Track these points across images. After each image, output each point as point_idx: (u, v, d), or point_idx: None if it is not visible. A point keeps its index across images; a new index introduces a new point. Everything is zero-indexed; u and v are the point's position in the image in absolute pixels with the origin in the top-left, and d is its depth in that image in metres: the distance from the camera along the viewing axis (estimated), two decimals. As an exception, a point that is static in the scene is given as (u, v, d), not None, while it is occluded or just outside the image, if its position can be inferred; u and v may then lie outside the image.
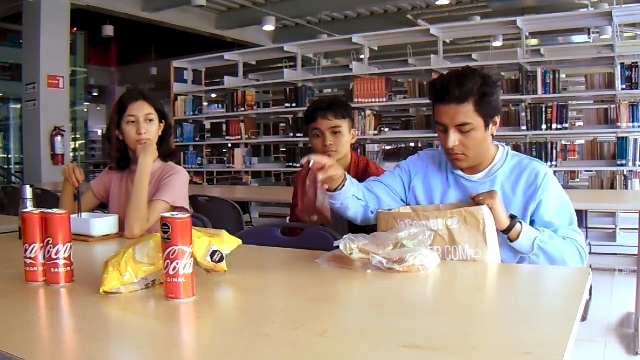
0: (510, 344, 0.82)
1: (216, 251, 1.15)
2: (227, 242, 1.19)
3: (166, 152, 2.01)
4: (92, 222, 1.75)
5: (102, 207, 2.20)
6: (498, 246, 1.42)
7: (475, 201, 1.45)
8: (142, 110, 1.92)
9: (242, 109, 6.32)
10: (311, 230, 1.73)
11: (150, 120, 1.93)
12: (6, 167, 12.08)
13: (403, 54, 6.59)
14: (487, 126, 1.49)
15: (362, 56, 5.91)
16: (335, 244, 1.31)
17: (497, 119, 1.52)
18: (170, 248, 1.03)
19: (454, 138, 1.47)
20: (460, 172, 1.58)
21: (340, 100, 2.15)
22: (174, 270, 1.03)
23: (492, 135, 1.53)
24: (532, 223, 1.51)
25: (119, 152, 1.99)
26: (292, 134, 5.98)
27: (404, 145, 6.87)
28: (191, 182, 2.02)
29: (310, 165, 1.23)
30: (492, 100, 1.47)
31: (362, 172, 2.07)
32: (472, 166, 1.56)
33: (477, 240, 1.37)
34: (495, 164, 1.56)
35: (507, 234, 1.44)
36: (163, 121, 1.99)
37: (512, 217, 1.45)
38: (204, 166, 6.85)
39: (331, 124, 2.03)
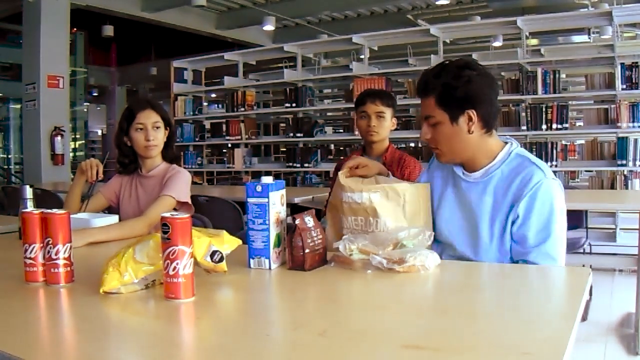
0: (510, 344, 0.82)
1: (216, 251, 1.15)
2: (227, 242, 1.19)
3: (171, 156, 2.14)
4: (92, 222, 1.75)
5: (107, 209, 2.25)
6: (428, 221, 1.53)
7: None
8: (149, 118, 2.03)
9: (242, 109, 6.33)
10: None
11: (157, 128, 2.05)
12: (6, 167, 12.07)
13: (403, 54, 6.60)
14: (453, 120, 1.43)
15: (362, 56, 5.91)
16: (335, 245, 1.31)
17: (472, 114, 1.42)
18: (170, 248, 1.03)
19: (424, 130, 1.49)
20: (459, 172, 1.53)
21: (387, 91, 2.61)
22: (174, 270, 1.03)
23: (469, 131, 1.43)
24: (506, 229, 1.43)
25: (127, 158, 2.11)
26: (292, 134, 5.98)
27: (404, 145, 6.87)
28: (191, 182, 2.09)
29: (297, 222, 1.28)
30: (456, 93, 1.41)
31: (397, 160, 2.41)
32: (457, 163, 1.53)
33: (397, 215, 1.50)
34: (494, 164, 1.47)
35: None
36: (168, 127, 2.10)
37: None
38: (204, 166, 6.85)
39: (377, 108, 2.40)
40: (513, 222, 1.42)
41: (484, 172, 1.48)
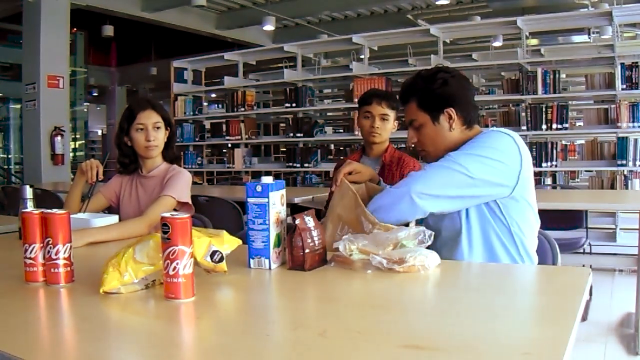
0: (510, 344, 0.82)
1: (216, 251, 1.15)
2: (227, 242, 1.19)
3: (171, 156, 2.14)
4: (92, 222, 1.75)
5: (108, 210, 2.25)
6: None
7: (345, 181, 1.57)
8: (150, 118, 2.03)
9: (242, 109, 6.33)
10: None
11: (158, 128, 2.05)
12: (6, 167, 12.06)
13: (403, 54, 6.60)
14: (435, 119, 1.54)
15: (362, 56, 5.91)
16: (335, 245, 1.31)
17: (452, 112, 1.53)
18: (170, 248, 1.03)
19: (410, 134, 1.61)
20: None
21: (393, 94, 2.52)
22: (174, 270, 1.03)
23: (451, 128, 1.54)
24: None
25: (127, 158, 2.11)
26: (292, 134, 5.98)
27: (403, 145, 6.85)
28: (191, 182, 2.10)
29: (297, 222, 1.28)
30: (434, 94, 1.53)
31: (396, 160, 2.43)
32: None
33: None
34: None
35: None
36: (168, 128, 2.10)
37: None
38: (204, 166, 6.85)
39: (382, 110, 2.41)
40: None
41: None
